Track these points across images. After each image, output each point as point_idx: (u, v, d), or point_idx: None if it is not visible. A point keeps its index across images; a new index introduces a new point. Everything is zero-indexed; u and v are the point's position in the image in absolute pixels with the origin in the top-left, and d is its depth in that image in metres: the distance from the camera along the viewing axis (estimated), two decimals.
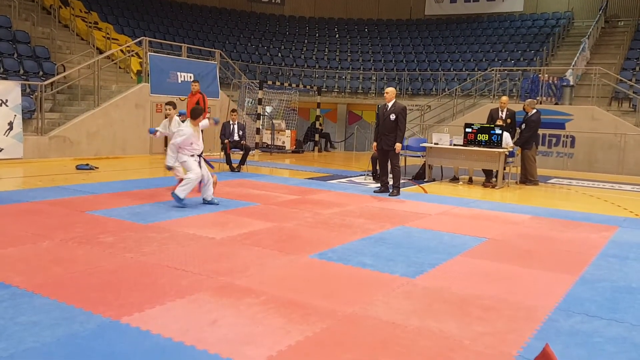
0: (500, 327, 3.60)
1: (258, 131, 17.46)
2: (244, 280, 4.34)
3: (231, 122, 12.19)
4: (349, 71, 23.60)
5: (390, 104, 9.30)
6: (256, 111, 17.53)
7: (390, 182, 9.53)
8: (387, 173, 9.60)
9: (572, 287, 4.57)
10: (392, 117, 9.18)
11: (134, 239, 5.52)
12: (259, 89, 17.30)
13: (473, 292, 4.29)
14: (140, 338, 3.21)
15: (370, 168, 11.34)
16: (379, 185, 9.88)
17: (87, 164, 11.29)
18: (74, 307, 3.60)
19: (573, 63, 17.43)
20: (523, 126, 11.56)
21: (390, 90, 9.38)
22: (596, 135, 14.93)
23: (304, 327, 3.46)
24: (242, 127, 12.32)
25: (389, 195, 9.27)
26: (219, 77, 16.98)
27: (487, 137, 10.90)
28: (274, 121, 18.80)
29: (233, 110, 12.64)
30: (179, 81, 15.27)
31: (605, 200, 9.99)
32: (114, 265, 4.60)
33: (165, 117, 8.91)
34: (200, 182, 7.73)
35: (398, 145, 9.18)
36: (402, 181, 11.20)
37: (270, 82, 19.09)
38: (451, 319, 3.72)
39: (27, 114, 12.61)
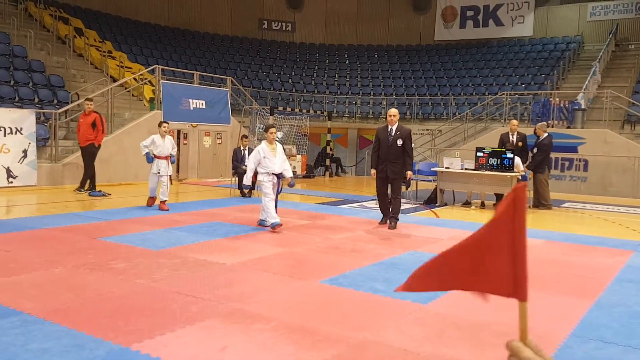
0: None
1: None
2: (254, 306, 4.32)
3: (242, 148, 12.26)
4: (360, 96, 23.74)
5: (394, 128, 8.48)
6: None
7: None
8: (388, 203, 8.74)
9: (587, 312, 4.49)
10: (400, 142, 8.40)
11: (145, 265, 5.53)
12: (270, 115, 17.43)
13: (486, 318, 4.24)
14: None
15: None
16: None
17: (100, 191, 11.38)
18: (85, 334, 3.60)
19: (584, 86, 17.41)
20: (535, 150, 11.51)
21: (397, 113, 8.65)
22: (609, 158, 14.83)
23: (315, 353, 3.43)
24: None
25: (389, 227, 8.36)
26: (231, 104, 17.14)
27: (498, 161, 10.87)
28: (285, 146, 18.84)
29: (244, 137, 12.72)
30: (191, 108, 15.44)
31: (620, 224, 9.87)
32: (124, 292, 4.60)
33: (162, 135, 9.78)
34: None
35: (409, 173, 8.51)
36: (414, 205, 11.16)
37: (281, 108, 19.25)
38: (464, 345, 3.67)
39: (42, 142, 12.77)
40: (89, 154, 11.60)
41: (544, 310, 4.52)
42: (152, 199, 9.81)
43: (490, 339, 3.79)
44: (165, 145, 9.69)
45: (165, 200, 9.58)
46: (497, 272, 1.05)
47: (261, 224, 8.08)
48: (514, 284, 1.05)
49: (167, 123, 10.06)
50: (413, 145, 8.86)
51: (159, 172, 9.62)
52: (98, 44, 19.70)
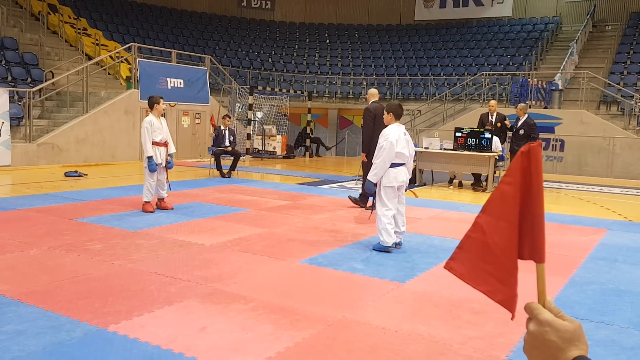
0: (490, 331, 3.60)
1: (249, 137, 17.43)
2: (234, 287, 4.32)
3: (222, 128, 12.16)
4: (340, 76, 23.64)
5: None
6: (247, 117, 17.51)
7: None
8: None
9: (561, 289, 4.58)
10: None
11: (123, 246, 5.48)
12: (250, 95, 17.27)
13: (463, 296, 4.29)
14: (127, 346, 3.18)
15: (362, 173, 11.32)
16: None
17: (76, 171, 11.21)
18: (61, 316, 3.56)
19: (562, 67, 17.54)
20: (521, 132, 11.39)
21: (369, 92, 8.37)
22: (585, 138, 15.02)
23: (294, 333, 3.45)
24: (233, 133, 12.29)
25: (366, 208, 8.04)
26: (209, 83, 16.95)
27: (477, 141, 10.94)
28: (265, 127, 18.78)
29: (227, 116, 12.61)
30: (169, 87, 15.23)
31: (595, 203, 10.04)
32: (102, 273, 4.56)
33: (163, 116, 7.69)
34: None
35: (362, 154, 8.06)
36: None
37: (260, 88, 19.07)
38: (441, 323, 3.72)
39: (15, 121, 12.52)
40: None
41: (519, 288, 4.57)
42: (147, 204, 7.40)
43: (466, 316, 3.85)
44: (164, 128, 7.61)
45: (164, 198, 7.69)
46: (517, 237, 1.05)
47: (379, 247, 5.70)
48: (530, 246, 1.05)
49: (162, 98, 7.75)
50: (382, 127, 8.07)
51: (161, 163, 7.51)
52: (73, 21, 19.25)
